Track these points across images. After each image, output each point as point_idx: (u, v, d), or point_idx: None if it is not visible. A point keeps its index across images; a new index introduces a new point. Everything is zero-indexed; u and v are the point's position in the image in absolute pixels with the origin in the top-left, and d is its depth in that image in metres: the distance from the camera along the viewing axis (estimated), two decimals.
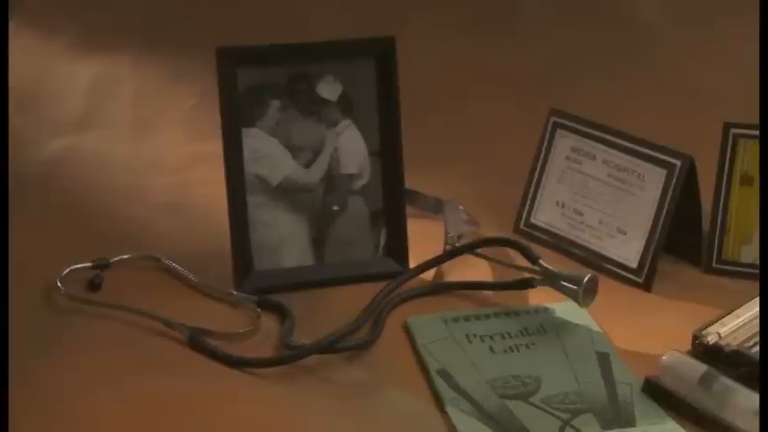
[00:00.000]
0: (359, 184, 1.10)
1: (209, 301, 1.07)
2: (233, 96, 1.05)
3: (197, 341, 0.97)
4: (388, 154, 1.10)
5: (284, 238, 1.09)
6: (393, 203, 1.10)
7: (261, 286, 1.06)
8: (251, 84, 1.06)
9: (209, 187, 1.16)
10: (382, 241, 1.11)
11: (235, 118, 1.06)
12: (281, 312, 1.03)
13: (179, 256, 1.11)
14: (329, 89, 1.08)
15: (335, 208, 1.10)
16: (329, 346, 0.96)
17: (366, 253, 1.10)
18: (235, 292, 1.06)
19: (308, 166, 1.09)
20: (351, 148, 1.09)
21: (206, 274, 1.08)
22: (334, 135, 1.09)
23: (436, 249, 1.12)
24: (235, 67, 1.05)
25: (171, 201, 1.26)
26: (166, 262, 1.11)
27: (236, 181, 1.06)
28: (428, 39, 1.45)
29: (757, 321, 0.96)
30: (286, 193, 1.08)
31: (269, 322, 1.02)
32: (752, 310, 0.97)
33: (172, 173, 1.32)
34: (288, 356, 0.95)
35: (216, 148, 1.07)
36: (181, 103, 1.45)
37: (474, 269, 1.12)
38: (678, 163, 1.09)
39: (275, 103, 1.07)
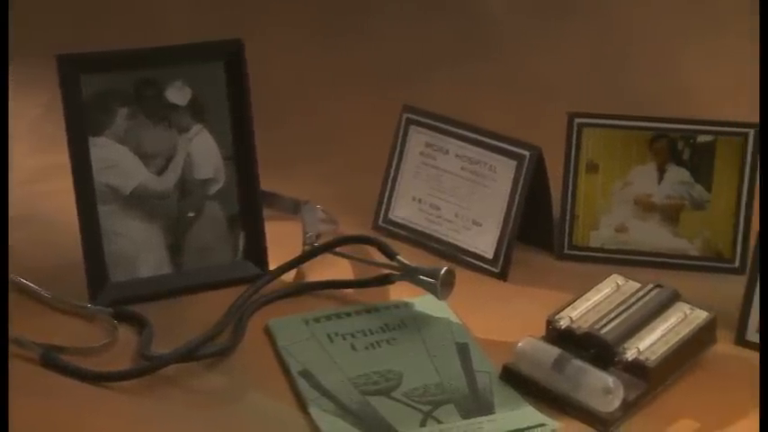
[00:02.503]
0: (214, 188, 1.09)
1: (63, 316, 1.04)
2: (77, 105, 1.03)
3: (50, 359, 0.95)
4: (242, 157, 1.09)
5: (139, 247, 1.06)
6: (250, 206, 1.09)
7: (117, 298, 1.04)
8: (96, 91, 1.04)
9: (58, 199, 1.12)
10: (241, 245, 1.10)
11: (80, 127, 1.03)
12: (139, 323, 1.01)
13: (29, 272, 1.07)
14: (178, 94, 1.06)
15: (191, 214, 1.08)
16: (188, 355, 0.95)
17: (225, 258, 1.09)
18: (90, 306, 1.03)
19: (160, 173, 1.07)
20: (204, 152, 1.08)
21: (59, 288, 1.05)
22: (186, 140, 1.07)
23: (296, 250, 1.12)
24: (78, 75, 1.03)
25: (18, 214, 1.21)
26: (15, 278, 1.07)
27: (85, 191, 1.03)
28: (280, 40, 1.45)
29: (606, 303, 0.99)
30: (139, 201, 1.06)
31: (127, 334, 1.00)
32: (601, 292, 1.01)
33: (18, 185, 1.27)
34: (145, 367, 0.94)
35: (64, 158, 1.04)
36: (25, 112, 1.40)
37: (335, 268, 1.12)
38: (527, 154, 1.12)
39: (123, 111, 1.05)
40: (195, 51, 1.07)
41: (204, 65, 1.07)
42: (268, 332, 1.01)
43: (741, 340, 1.00)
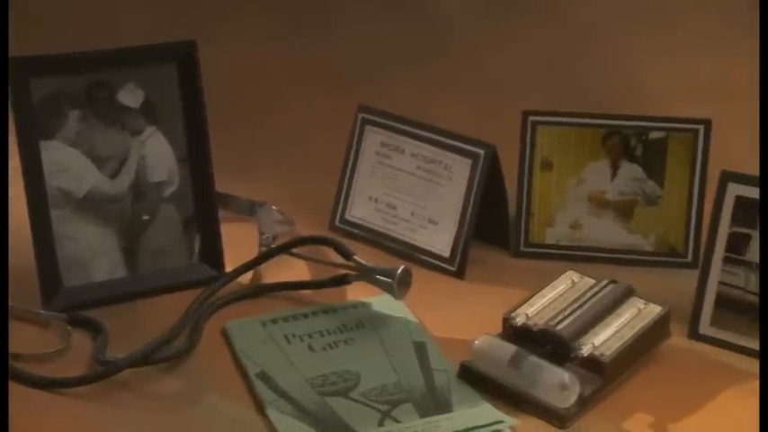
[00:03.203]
0: (168, 191, 1.08)
1: (16, 322, 1.02)
2: (27, 108, 1.01)
3: None
4: (196, 159, 1.08)
5: (94, 252, 1.05)
6: (205, 208, 1.09)
7: (71, 303, 1.03)
8: (47, 94, 1.02)
9: (9, 204, 1.11)
10: (197, 247, 1.09)
11: (31, 130, 1.02)
12: (94, 328, 1.00)
13: None
14: (131, 96, 1.06)
15: (146, 217, 1.07)
16: (144, 359, 0.94)
17: (180, 260, 1.09)
18: (43, 312, 1.02)
19: (113, 176, 1.06)
20: (158, 155, 1.07)
21: (12, 294, 1.03)
22: (139, 143, 1.06)
23: (252, 252, 1.12)
24: (28, 78, 1.01)
25: None
26: None
27: (36, 196, 1.02)
28: (236, 41, 1.44)
29: (561, 299, 1.00)
30: (93, 205, 1.05)
31: (81, 339, 0.99)
32: (557, 288, 1.02)
33: None
34: (100, 373, 0.93)
35: (15, 162, 1.03)
36: None
37: (292, 269, 1.12)
38: (482, 152, 1.12)
39: (74, 114, 1.04)
40: (147, 53, 1.06)
41: (157, 67, 1.06)
42: (225, 335, 1.01)
43: (694, 334, 1.02)
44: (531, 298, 1.00)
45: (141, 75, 1.05)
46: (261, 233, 1.14)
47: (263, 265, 1.11)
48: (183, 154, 1.08)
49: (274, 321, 1.02)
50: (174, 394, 0.93)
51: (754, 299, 0.98)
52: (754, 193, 0.98)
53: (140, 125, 1.06)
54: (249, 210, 1.20)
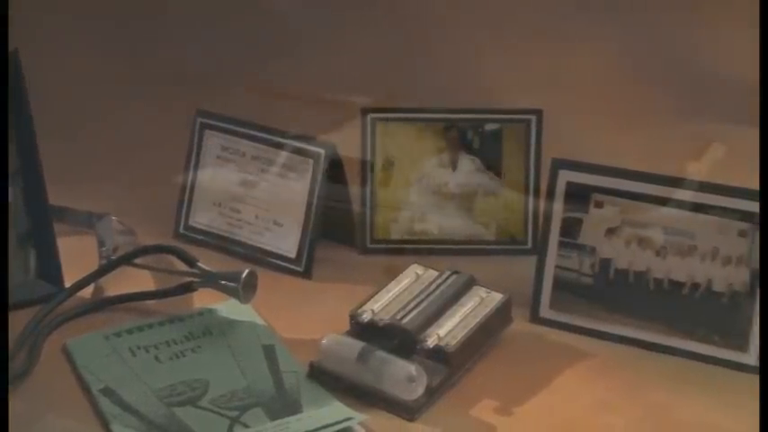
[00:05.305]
0: None
1: None
2: None
3: None
4: (26, 172, 1.04)
5: None
6: (39, 223, 1.05)
7: None
8: None
9: None
10: (32, 264, 1.06)
11: None
12: None
13: None
14: None
15: None
16: None
17: (16, 278, 1.04)
18: None
19: None
20: None
21: None
22: None
23: (93, 265, 1.08)
24: None
25: None
26: None
27: None
28: (64, 48, 1.40)
29: (406, 293, 1.01)
30: None
31: None
32: (401, 283, 1.03)
33: None
34: None
35: None
36: None
37: (136, 280, 1.09)
38: (323, 152, 1.13)
39: None
40: None
41: None
42: (66, 352, 0.98)
43: (535, 318, 1.05)
44: (376, 294, 1.01)
45: None
46: (100, 245, 1.11)
47: (105, 278, 1.08)
48: (12, 168, 1.04)
49: (118, 335, 1.00)
50: (13, 417, 0.89)
51: (589, 280, 1.02)
52: (583, 178, 1.02)
53: None
54: (88, 222, 1.16)
